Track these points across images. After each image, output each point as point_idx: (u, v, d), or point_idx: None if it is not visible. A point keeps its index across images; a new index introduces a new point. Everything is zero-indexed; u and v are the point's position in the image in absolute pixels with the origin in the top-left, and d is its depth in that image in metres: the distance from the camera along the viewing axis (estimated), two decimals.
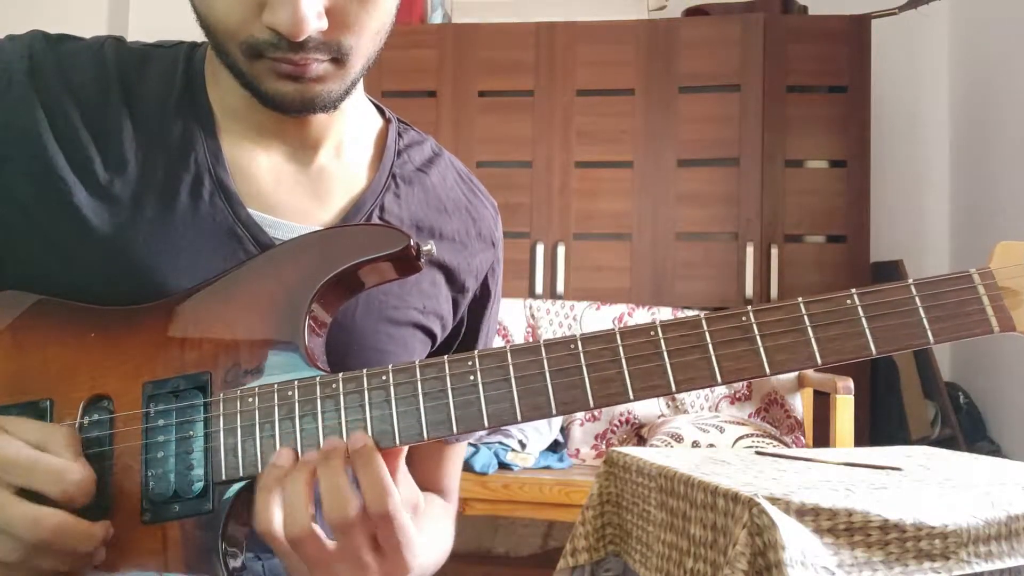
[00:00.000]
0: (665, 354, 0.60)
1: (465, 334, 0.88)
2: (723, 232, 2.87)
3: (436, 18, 3.14)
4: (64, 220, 0.69)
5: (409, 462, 0.88)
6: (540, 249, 2.92)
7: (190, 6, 0.69)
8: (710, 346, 0.60)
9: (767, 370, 0.59)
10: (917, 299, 0.59)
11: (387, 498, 0.59)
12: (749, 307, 0.60)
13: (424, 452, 0.88)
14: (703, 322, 0.60)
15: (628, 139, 2.92)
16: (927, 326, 0.59)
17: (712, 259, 2.86)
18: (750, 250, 2.81)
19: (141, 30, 3.50)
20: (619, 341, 0.60)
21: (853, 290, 0.60)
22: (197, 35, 0.74)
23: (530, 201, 2.94)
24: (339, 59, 0.68)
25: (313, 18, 0.63)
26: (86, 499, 0.60)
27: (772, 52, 2.87)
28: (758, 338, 0.60)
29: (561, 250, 2.91)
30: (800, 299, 0.60)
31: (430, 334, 0.83)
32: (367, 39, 0.69)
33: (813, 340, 0.59)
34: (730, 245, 2.85)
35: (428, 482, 0.89)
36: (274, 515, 0.59)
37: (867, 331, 0.59)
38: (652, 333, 0.60)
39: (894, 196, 3.24)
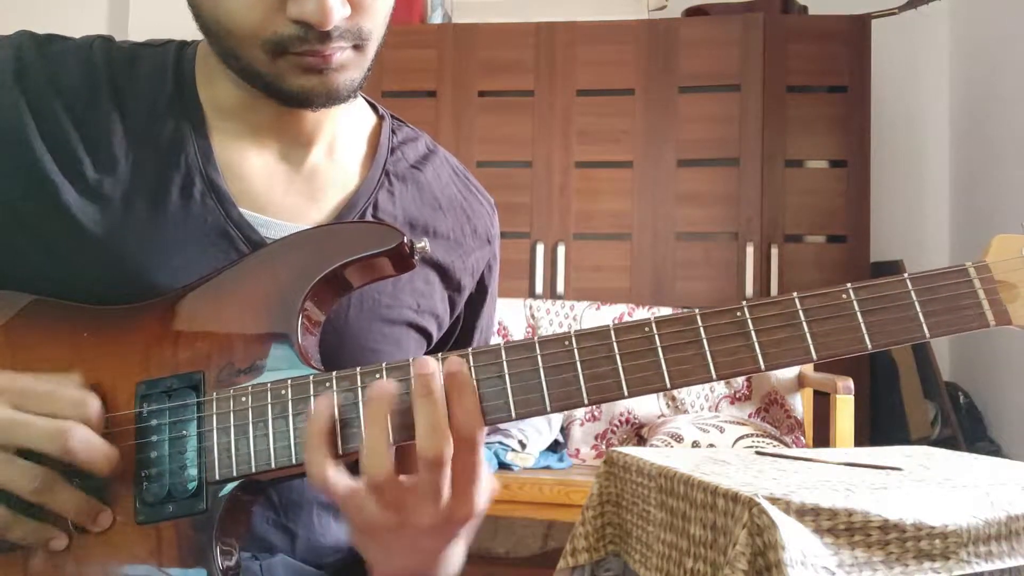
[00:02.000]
0: (660, 350, 0.60)
1: (461, 332, 0.88)
2: (723, 232, 2.87)
3: (436, 18, 3.14)
4: (54, 221, 0.69)
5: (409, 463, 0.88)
6: (540, 249, 2.91)
7: (192, 12, 0.69)
8: (704, 341, 0.60)
9: (762, 365, 0.59)
10: (913, 293, 0.59)
11: (477, 424, 0.59)
12: (744, 302, 0.60)
13: None
14: (698, 317, 0.60)
15: (628, 139, 2.92)
16: (923, 320, 0.58)
17: (712, 259, 2.85)
18: (750, 250, 2.81)
19: (141, 30, 3.50)
20: (613, 337, 0.60)
21: (848, 284, 0.60)
22: (197, 36, 0.74)
23: (530, 201, 2.94)
24: (359, 45, 0.68)
25: (339, 5, 0.63)
26: (99, 431, 0.61)
27: (772, 52, 2.87)
28: (753, 333, 0.59)
29: (561, 250, 2.91)
30: (795, 294, 0.60)
31: (424, 333, 0.82)
32: (380, 22, 0.70)
33: (808, 335, 0.59)
34: (730, 245, 2.85)
35: None
36: (327, 466, 0.59)
37: (862, 325, 0.59)
38: (647, 329, 0.60)
39: (894, 196, 3.24)
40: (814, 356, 0.59)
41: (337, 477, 0.59)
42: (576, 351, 0.60)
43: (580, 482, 2.25)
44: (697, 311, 0.61)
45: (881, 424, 2.83)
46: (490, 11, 3.12)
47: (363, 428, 0.59)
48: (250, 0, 0.64)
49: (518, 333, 2.72)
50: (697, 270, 2.86)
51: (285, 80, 0.68)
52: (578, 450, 2.62)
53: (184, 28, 0.76)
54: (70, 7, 3.47)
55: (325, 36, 0.65)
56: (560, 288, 2.89)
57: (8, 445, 0.59)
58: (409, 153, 0.84)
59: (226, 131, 0.75)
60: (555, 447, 2.54)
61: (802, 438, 2.49)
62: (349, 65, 0.69)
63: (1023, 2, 2.83)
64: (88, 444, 0.60)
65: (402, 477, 0.59)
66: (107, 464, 0.61)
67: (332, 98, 0.70)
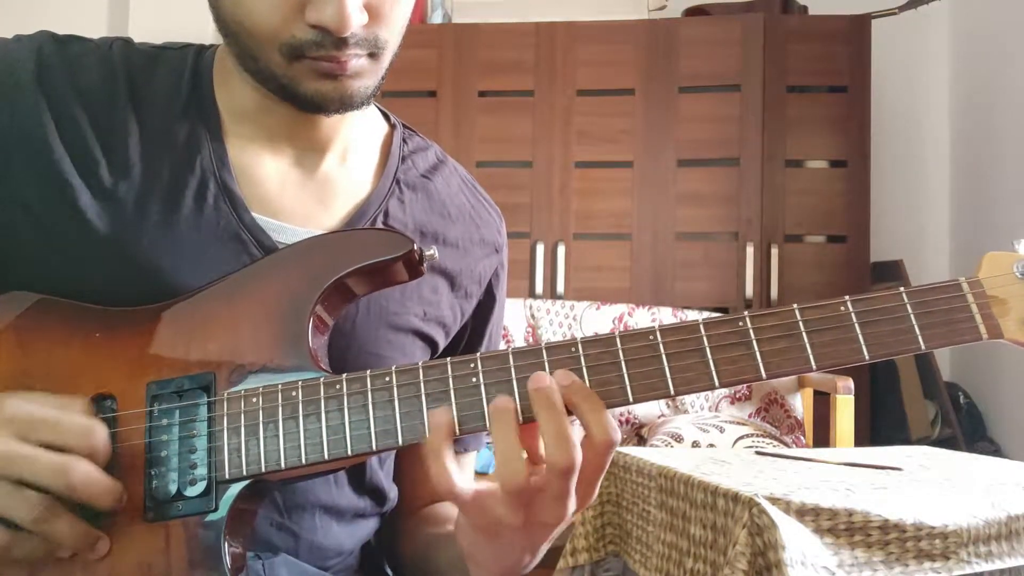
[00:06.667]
0: (664, 358, 0.61)
1: (469, 339, 0.88)
2: (723, 232, 2.87)
3: (436, 18, 3.14)
4: (69, 222, 0.69)
5: (422, 477, 0.88)
6: (540, 249, 2.92)
7: (212, 13, 0.70)
8: (708, 350, 0.61)
9: (763, 374, 0.60)
10: (908, 306, 0.60)
11: (613, 433, 0.59)
12: (746, 312, 0.61)
13: None
14: (701, 327, 0.61)
15: (628, 139, 2.92)
16: (918, 333, 0.60)
17: (712, 259, 2.86)
18: (750, 250, 2.81)
19: (141, 30, 3.50)
20: (619, 345, 0.61)
21: (847, 297, 0.61)
22: (198, 36, 0.74)
23: (530, 201, 2.94)
24: (375, 53, 0.69)
25: (357, 12, 0.64)
26: (105, 461, 0.61)
27: (772, 52, 2.88)
28: (755, 343, 0.61)
29: (561, 250, 2.91)
30: (795, 305, 0.61)
31: (430, 341, 0.83)
32: (396, 32, 0.71)
33: (808, 345, 0.60)
34: (730, 245, 2.86)
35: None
36: (452, 473, 0.59)
37: (860, 337, 0.60)
38: (651, 337, 0.61)
39: (894, 196, 3.24)
40: (813, 366, 0.60)
41: (463, 485, 0.60)
42: (582, 358, 0.61)
43: None
44: (700, 321, 0.61)
45: (881, 424, 2.83)
46: (490, 11, 3.13)
47: (495, 440, 0.59)
48: (270, 2, 0.65)
49: (518, 333, 2.72)
50: (697, 270, 2.86)
51: (300, 84, 0.69)
52: None
53: (184, 29, 0.76)
54: (70, 7, 3.47)
55: (342, 42, 0.66)
56: (560, 288, 2.90)
57: (9, 477, 0.59)
58: (419, 162, 0.85)
59: (241, 135, 0.76)
60: None
61: (802, 438, 2.49)
62: (364, 73, 0.69)
63: (1023, 2, 2.83)
64: (90, 481, 0.59)
65: (531, 478, 0.59)
66: (110, 499, 0.61)
67: (346, 104, 0.71)
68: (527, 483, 0.59)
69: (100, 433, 0.61)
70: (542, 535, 0.63)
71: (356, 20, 0.64)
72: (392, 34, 0.70)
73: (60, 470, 0.58)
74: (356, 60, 0.68)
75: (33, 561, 0.62)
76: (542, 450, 0.60)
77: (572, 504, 0.60)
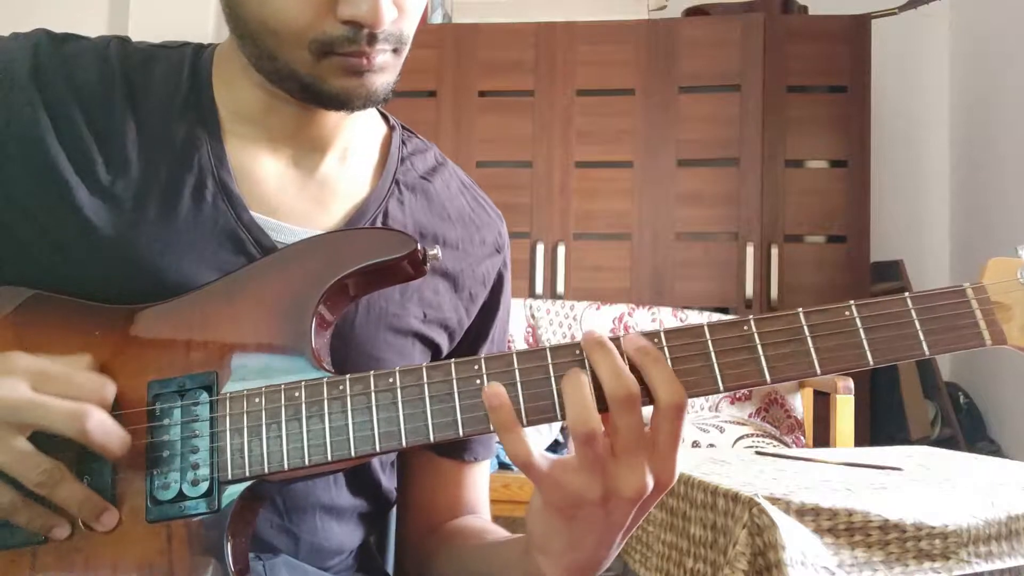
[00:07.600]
0: (668, 362, 0.60)
1: (473, 341, 0.87)
2: (723, 232, 2.88)
3: (436, 18, 3.14)
4: (65, 220, 0.69)
5: (433, 488, 0.87)
6: (540, 249, 2.92)
7: (226, 13, 0.70)
8: (712, 354, 0.60)
9: (768, 378, 0.60)
10: (913, 312, 0.60)
11: (682, 390, 0.58)
12: (751, 316, 0.61)
13: (448, 477, 0.87)
14: (706, 330, 0.61)
15: (628, 139, 2.92)
16: (922, 338, 0.60)
17: (712, 259, 2.86)
18: (750, 250, 2.81)
19: (141, 30, 3.49)
20: (623, 347, 0.61)
21: (851, 302, 0.61)
22: (198, 35, 0.74)
23: (530, 201, 2.95)
24: (398, 48, 0.69)
25: (389, 7, 0.65)
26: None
27: (772, 52, 2.88)
28: (759, 347, 0.60)
29: (561, 250, 2.91)
30: (800, 310, 0.61)
31: (431, 344, 0.82)
32: (415, 27, 0.71)
33: (813, 350, 0.60)
34: (730, 245, 2.86)
35: (457, 506, 0.88)
36: (527, 447, 0.59)
37: (865, 342, 0.60)
38: (655, 340, 0.61)
39: (894, 196, 3.25)
40: (818, 371, 0.60)
41: (540, 453, 0.59)
42: (586, 360, 0.61)
43: None
44: (705, 324, 0.61)
45: (881, 424, 2.83)
46: (490, 11, 3.13)
47: (564, 389, 0.59)
48: (301, 0, 0.65)
49: (518, 333, 2.72)
50: (697, 270, 2.86)
51: (327, 81, 0.68)
52: None
53: (185, 29, 0.76)
54: (70, 7, 3.46)
55: (373, 38, 0.66)
56: (560, 288, 2.90)
57: (24, 425, 0.59)
58: (419, 164, 0.85)
59: (241, 135, 0.76)
60: (555, 447, 2.54)
61: (802, 438, 2.49)
62: (387, 68, 0.70)
63: (1023, 2, 2.83)
64: (104, 427, 0.60)
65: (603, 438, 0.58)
66: (121, 448, 0.61)
67: (371, 99, 0.71)
68: (598, 429, 0.57)
69: (110, 388, 0.62)
70: (620, 515, 0.60)
71: (389, 15, 0.65)
72: (413, 29, 0.70)
73: (75, 415, 0.59)
74: (382, 55, 0.68)
75: (34, 535, 0.62)
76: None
77: (649, 474, 0.58)
